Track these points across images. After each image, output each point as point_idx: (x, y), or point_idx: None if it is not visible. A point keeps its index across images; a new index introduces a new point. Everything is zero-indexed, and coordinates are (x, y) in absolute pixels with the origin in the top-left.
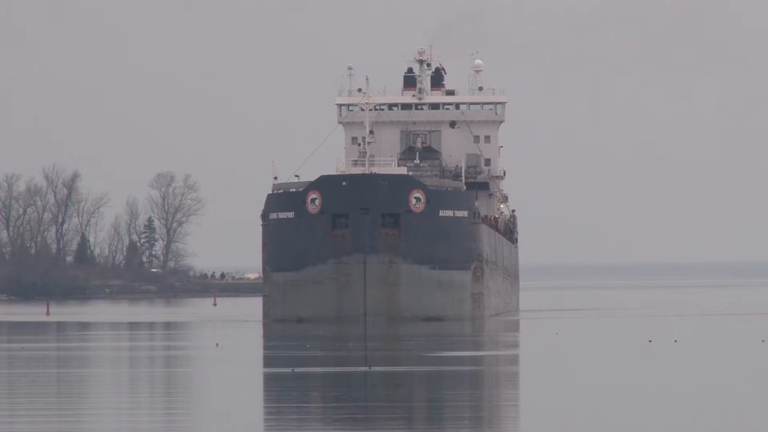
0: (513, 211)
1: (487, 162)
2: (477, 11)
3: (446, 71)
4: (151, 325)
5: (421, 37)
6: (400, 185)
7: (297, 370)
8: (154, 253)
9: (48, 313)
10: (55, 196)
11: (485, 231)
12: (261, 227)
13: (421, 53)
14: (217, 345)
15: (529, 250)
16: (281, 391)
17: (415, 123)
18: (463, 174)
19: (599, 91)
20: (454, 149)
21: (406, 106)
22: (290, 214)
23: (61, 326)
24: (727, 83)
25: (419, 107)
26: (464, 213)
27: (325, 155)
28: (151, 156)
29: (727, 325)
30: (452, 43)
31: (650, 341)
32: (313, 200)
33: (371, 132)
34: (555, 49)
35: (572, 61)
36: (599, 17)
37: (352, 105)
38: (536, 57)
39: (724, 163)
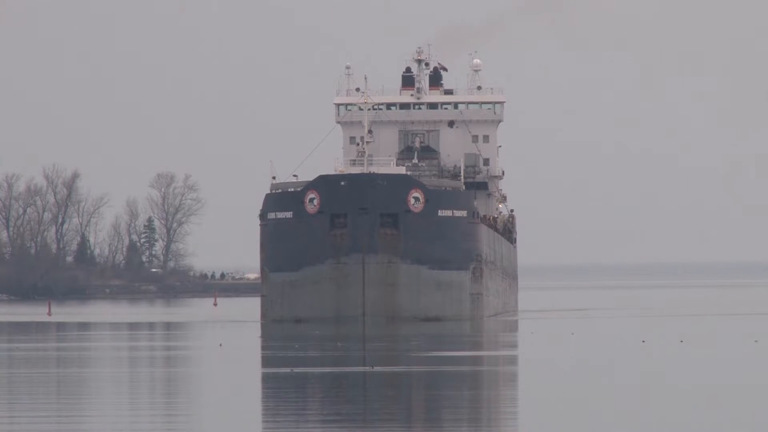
0: (512, 210)
1: (486, 162)
2: None
3: (446, 69)
4: (151, 326)
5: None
6: (399, 185)
7: (296, 370)
8: (154, 253)
9: (50, 314)
10: (55, 196)
11: (484, 231)
12: (259, 227)
13: (419, 52)
14: (220, 345)
15: (528, 250)
16: (280, 391)
17: (413, 122)
18: (461, 174)
19: (600, 90)
20: (453, 149)
21: (404, 106)
22: (288, 214)
23: (61, 326)
24: (730, 84)
25: (418, 107)
26: (463, 213)
27: (323, 155)
28: (151, 156)
29: (728, 325)
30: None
31: (643, 341)
32: (311, 200)
33: (370, 131)
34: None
35: (572, 59)
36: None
37: (351, 104)
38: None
39: (724, 163)
